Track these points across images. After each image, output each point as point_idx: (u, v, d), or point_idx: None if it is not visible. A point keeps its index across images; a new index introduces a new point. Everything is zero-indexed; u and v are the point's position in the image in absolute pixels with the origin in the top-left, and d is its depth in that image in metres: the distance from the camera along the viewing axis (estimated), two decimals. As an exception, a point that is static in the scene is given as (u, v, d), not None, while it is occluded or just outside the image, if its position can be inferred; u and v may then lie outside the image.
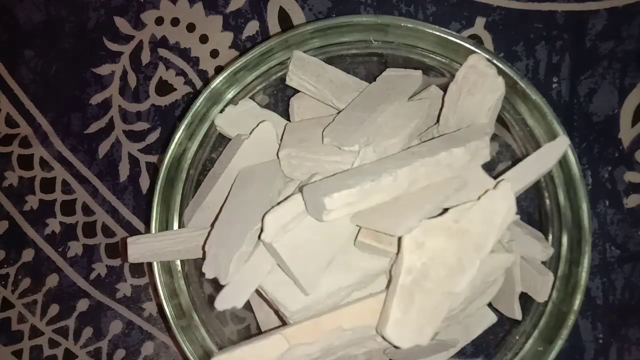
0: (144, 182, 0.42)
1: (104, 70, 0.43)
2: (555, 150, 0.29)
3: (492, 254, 0.28)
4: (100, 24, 0.43)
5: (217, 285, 0.29)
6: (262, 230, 0.27)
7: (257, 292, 0.29)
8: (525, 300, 0.31)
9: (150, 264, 0.32)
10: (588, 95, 0.38)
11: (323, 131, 0.30)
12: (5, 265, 0.43)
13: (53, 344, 0.42)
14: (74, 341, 0.42)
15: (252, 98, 0.34)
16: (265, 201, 0.29)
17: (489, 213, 0.26)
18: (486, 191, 0.26)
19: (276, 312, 0.30)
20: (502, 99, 0.30)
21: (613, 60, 0.38)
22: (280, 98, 0.37)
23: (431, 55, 0.32)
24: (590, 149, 0.38)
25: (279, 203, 0.27)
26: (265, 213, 0.27)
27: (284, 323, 0.30)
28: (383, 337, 0.25)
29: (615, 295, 0.37)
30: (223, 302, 0.28)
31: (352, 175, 0.27)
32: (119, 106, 0.43)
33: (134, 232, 0.42)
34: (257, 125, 0.32)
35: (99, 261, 0.42)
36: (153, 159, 0.42)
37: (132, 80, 0.43)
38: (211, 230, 0.30)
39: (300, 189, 0.27)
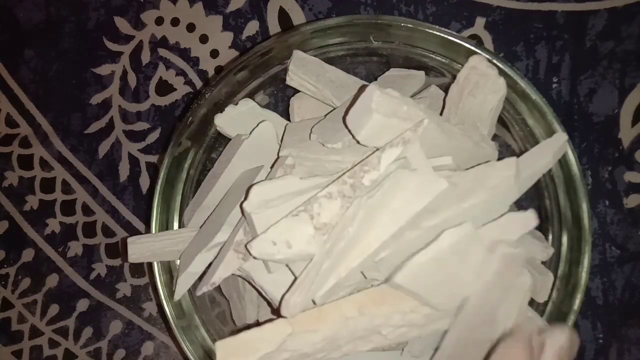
0: (144, 182, 0.42)
1: (104, 70, 0.43)
2: (552, 148, 0.29)
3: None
4: (100, 24, 0.43)
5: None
6: (245, 198, 0.27)
7: (258, 292, 0.29)
8: (526, 300, 0.31)
9: (150, 264, 0.32)
10: (588, 95, 0.38)
11: (312, 127, 0.30)
12: (5, 265, 0.43)
13: (53, 344, 0.42)
14: (74, 341, 0.42)
15: (252, 98, 0.34)
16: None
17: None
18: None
19: (277, 312, 0.30)
20: (504, 99, 0.30)
21: (613, 60, 0.38)
22: (280, 98, 0.37)
23: (431, 55, 0.32)
24: (590, 149, 0.38)
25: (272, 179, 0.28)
26: (254, 184, 0.27)
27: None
28: None
29: (615, 295, 0.37)
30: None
31: None
32: (119, 106, 0.43)
33: (134, 232, 0.42)
34: (257, 125, 0.32)
35: (99, 261, 0.42)
36: (153, 159, 0.42)
37: (132, 80, 0.43)
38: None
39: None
